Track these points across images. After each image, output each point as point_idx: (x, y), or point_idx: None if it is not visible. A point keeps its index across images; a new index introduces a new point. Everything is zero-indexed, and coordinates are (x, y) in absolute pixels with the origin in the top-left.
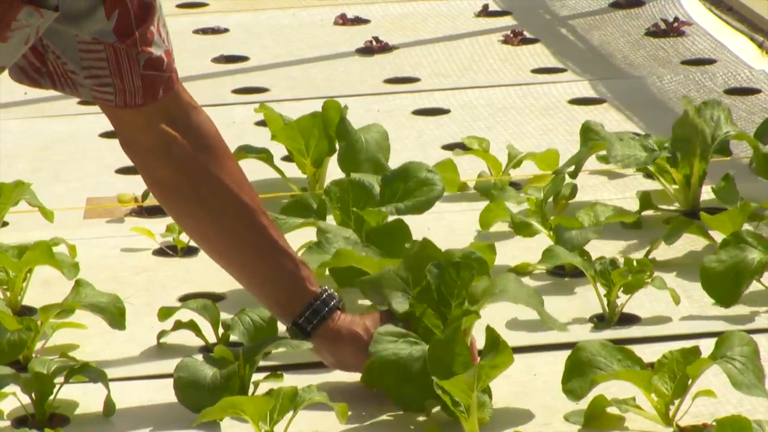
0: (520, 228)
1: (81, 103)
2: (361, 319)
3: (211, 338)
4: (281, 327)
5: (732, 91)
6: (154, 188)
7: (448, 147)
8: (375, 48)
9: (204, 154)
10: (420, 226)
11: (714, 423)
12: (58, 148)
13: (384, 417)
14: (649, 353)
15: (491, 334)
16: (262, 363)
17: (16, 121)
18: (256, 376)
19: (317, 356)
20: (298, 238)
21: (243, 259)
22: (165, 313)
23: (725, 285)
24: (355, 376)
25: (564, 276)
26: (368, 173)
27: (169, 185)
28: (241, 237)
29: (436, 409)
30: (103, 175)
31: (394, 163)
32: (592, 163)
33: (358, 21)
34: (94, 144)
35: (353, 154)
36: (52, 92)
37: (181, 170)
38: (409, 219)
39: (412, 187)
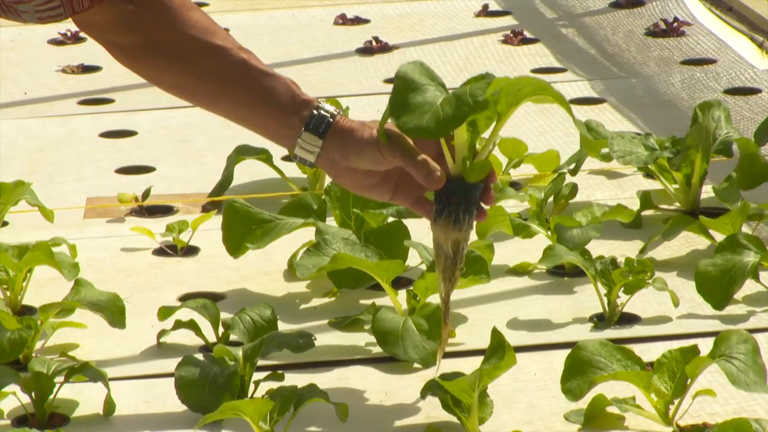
0: (519, 230)
1: (81, 103)
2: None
3: (211, 338)
4: (281, 326)
5: (732, 91)
6: (123, 58)
7: None
8: (374, 48)
9: (165, 13)
10: (419, 226)
11: (715, 423)
12: (58, 148)
13: (385, 417)
14: (649, 353)
15: (497, 336)
16: (262, 362)
17: (15, 121)
18: (257, 376)
19: (325, 168)
20: (298, 237)
21: (235, 97)
22: (165, 312)
23: (719, 288)
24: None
25: (564, 275)
26: None
27: (137, 51)
28: (226, 78)
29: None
30: (103, 175)
31: None
32: (591, 162)
33: (357, 21)
34: (93, 144)
35: None
36: (49, 93)
37: (146, 35)
38: (408, 219)
39: None
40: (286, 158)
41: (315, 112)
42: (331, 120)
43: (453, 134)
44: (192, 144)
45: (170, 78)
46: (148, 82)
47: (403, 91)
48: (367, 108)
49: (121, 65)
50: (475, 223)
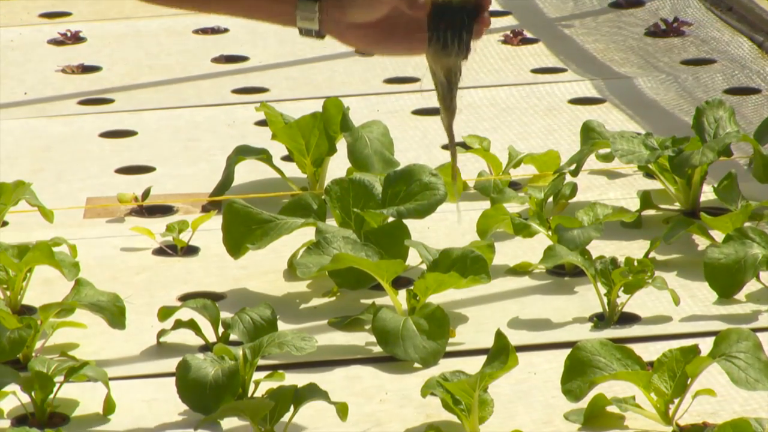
0: (519, 229)
1: (81, 103)
2: None
3: (211, 337)
4: (281, 325)
5: (732, 91)
6: None
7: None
8: None
9: None
10: (420, 226)
11: (715, 423)
12: (58, 148)
13: (385, 417)
14: (649, 352)
15: (501, 339)
16: (262, 362)
17: (16, 121)
18: (257, 375)
19: (332, 33)
20: (298, 237)
21: None
22: (165, 312)
23: (728, 277)
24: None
25: (564, 275)
26: (377, 166)
27: None
28: None
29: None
30: (104, 175)
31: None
32: (592, 163)
33: None
34: (94, 144)
35: (360, 149)
36: (52, 92)
37: None
38: (408, 219)
39: (414, 190)
40: (286, 158)
41: None
42: None
43: None
44: (192, 143)
45: None
46: (148, 86)
47: None
48: (373, 107)
49: None
50: (469, 49)
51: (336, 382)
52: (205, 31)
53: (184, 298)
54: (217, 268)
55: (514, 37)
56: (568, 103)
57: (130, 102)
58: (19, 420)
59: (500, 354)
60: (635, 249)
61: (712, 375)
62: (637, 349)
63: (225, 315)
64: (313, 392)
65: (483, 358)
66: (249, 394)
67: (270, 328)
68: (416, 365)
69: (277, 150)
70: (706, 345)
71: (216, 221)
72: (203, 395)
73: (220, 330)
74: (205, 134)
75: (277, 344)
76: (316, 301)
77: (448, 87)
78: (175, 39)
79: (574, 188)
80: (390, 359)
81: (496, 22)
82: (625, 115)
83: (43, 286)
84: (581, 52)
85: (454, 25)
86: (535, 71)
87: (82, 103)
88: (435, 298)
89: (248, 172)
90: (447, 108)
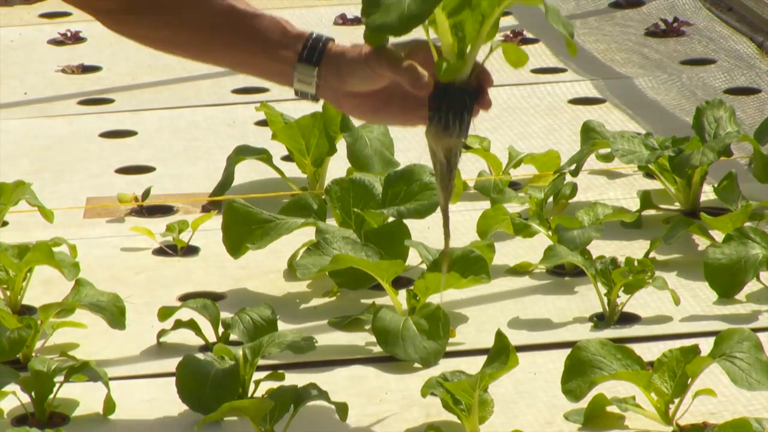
0: (519, 229)
1: (81, 103)
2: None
3: (211, 337)
4: (281, 325)
5: (732, 91)
6: (110, 23)
7: None
8: None
9: None
10: (420, 226)
11: (715, 423)
12: (58, 148)
13: (385, 417)
14: (650, 352)
15: (501, 339)
16: (262, 362)
17: (16, 121)
18: (257, 375)
19: (328, 99)
20: (299, 237)
21: (227, 43)
22: (165, 312)
23: (729, 277)
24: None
25: (564, 275)
26: (377, 166)
27: (124, 13)
28: (215, 26)
29: None
30: (104, 175)
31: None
32: (592, 163)
33: (358, 21)
34: (94, 144)
35: (360, 149)
36: (52, 92)
37: None
38: (408, 219)
39: (414, 191)
40: (286, 158)
41: (307, 42)
42: (324, 47)
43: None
44: (192, 143)
45: (160, 34)
46: (148, 86)
47: None
48: None
49: (110, 30)
50: (469, 129)
51: (336, 382)
52: None
53: (184, 298)
54: (217, 268)
55: (514, 37)
56: (569, 103)
57: (130, 102)
58: (19, 420)
59: (500, 354)
60: (635, 249)
61: (714, 375)
62: (638, 349)
63: (225, 315)
64: (313, 392)
65: (483, 358)
66: (249, 394)
67: (270, 328)
68: (416, 365)
69: (277, 150)
70: (706, 345)
71: (216, 221)
72: (203, 395)
73: (220, 330)
74: (205, 134)
75: (277, 344)
76: (316, 301)
77: (447, 167)
78: None
79: (574, 188)
80: (390, 359)
81: None
82: (626, 115)
83: (43, 286)
84: (582, 52)
85: (456, 106)
86: (536, 71)
87: (82, 103)
88: (435, 298)
89: (248, 172)
90: (445, 188)
